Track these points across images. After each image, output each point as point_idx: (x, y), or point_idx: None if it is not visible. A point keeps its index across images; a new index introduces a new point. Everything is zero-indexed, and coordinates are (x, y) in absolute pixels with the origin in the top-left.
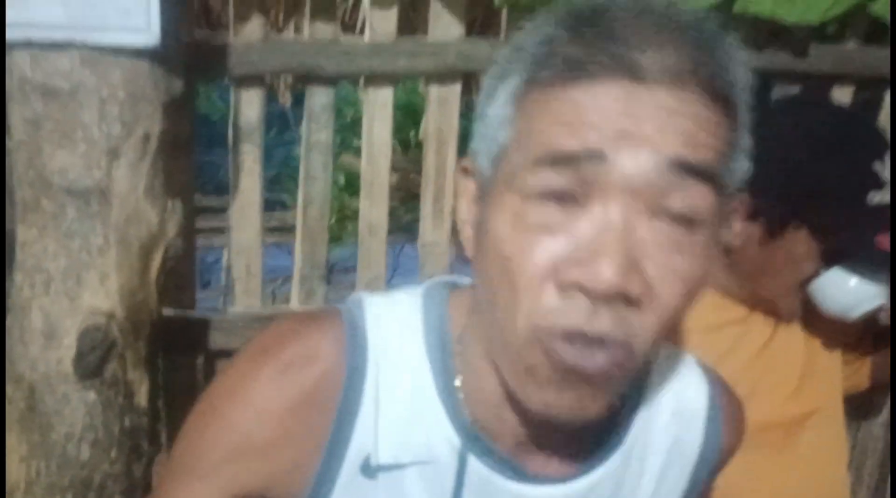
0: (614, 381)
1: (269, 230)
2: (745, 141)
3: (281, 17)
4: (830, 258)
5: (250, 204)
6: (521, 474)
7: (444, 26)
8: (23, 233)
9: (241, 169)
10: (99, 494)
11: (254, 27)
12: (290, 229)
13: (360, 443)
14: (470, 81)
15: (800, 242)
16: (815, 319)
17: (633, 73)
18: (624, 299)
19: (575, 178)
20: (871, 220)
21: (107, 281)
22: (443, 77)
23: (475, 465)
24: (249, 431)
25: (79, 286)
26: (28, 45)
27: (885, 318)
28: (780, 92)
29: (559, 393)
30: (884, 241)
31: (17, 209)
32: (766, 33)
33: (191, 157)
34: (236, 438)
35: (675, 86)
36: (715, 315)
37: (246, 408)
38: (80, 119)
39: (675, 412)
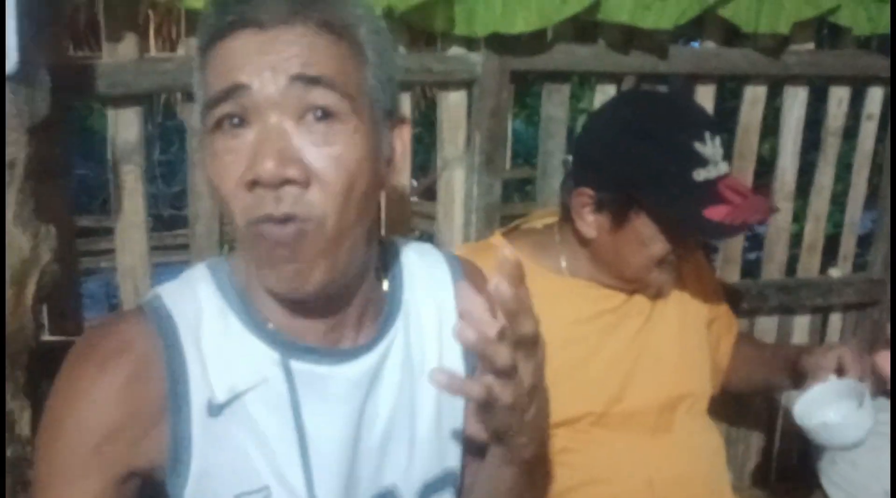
0: (320, 253)
1: (175, 248)
2: (372, 56)
3: (154, 36)
4: (673, 238)
5: (134, 225)
6: (332, 356)
7: None
8: None
9: (123, 189)
10: None
11: (127, 47)
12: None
13: (199, 392)
14: None
15: (642, 225)
16: (684, 290)
17: (256, 23)
18: (292, 184)
19: (234, 106)
20: (698, 195)
21: None
22: None
23: (297, 365)
24: (97, 421)
25: None
26: None
27: None
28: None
29: (280, 270)
30: (711, 212)
31: None
32: (628, 37)
33: (66, 178)
34: (89, 431)
35: (288, 25)
36: (590, 306)
37: (86, 405)
38: None
39: (429, 280)
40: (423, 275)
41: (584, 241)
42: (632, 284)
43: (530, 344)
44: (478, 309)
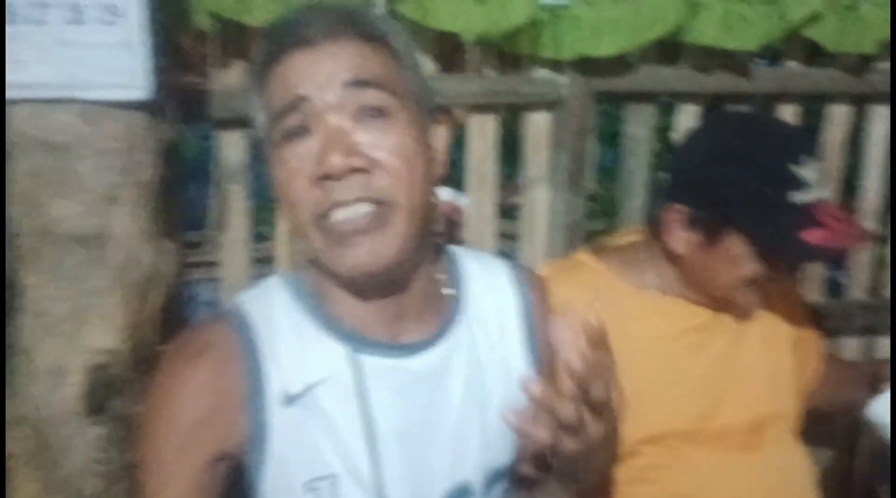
0: (391, 230)
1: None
2: (409, 60)
3: None
4: (765, 259)
5: (238, 241)
6: (397, 350)
7: None
8: (26, 278)
9: (228, 208)
10: None
11: (234, 72)
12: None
13: (274, 384)
14: None
15: (735, 244)
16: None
17: (308, 43)
18: (357, 172)
19: (299, 117)
20: (794, 218)
21: (109, 321)
22: None
23: (365, 359)
24: (186, 408)
25: (83, 327)
26: (27, 102)
27: None
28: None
29: (355, 247)
30: (808, 235)
31: (19, 256)
32: (711, 57)
33: (178, 196)
34: (180, 418)
35: (335, 41)
36: (677, 322)
37: (177, 395)
38: (79, 170)
39: (489, 284)
40: (483, 279)
41: (672, 258)
42: (719, 303)
43: (600, 407)
44: (565, 351)
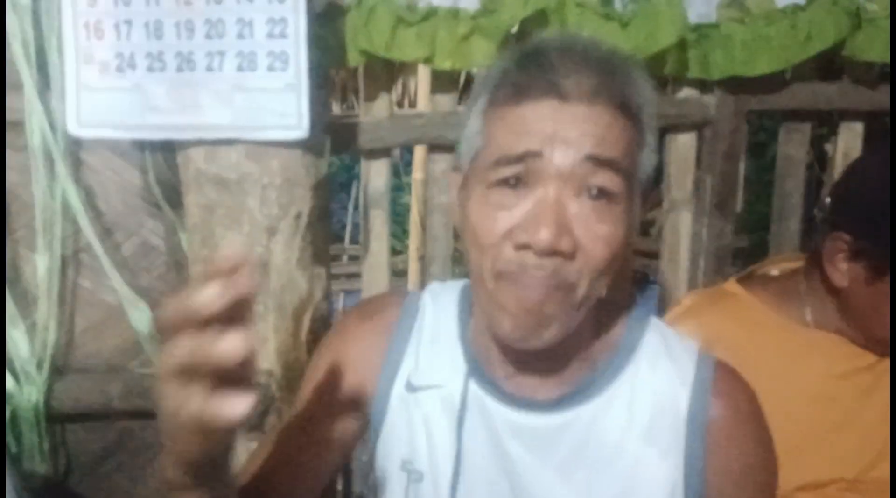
0: (560, 315)
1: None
2: (650, 139)
3: (403, 95)
4: None
5: (380, 265)
6: (510, 399)
7: None
8: None
9: (371, 232)
10: None
11: (381, 105)
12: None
13: (407, 368)
14: None
15: None
16: None
17: (560, 95)
18: (559, 254)
19: (522, 170)
20: None
21: (266, 343)
22: None
23: (474, 388)
24: (341, 350)
25: None
26: (201, 142)
27: None
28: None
29: (520, 320)
30: None
31: (191, 281)
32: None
33: (328, 225)
34: (335, 355)
35: (590, 102)
36: (843, 362)
37: (338, 339)
38: (246, 204)
39: (661, 375)
40: (658, 366)
41: (833, 291)
42: (880, 343)
43: None
44: None
